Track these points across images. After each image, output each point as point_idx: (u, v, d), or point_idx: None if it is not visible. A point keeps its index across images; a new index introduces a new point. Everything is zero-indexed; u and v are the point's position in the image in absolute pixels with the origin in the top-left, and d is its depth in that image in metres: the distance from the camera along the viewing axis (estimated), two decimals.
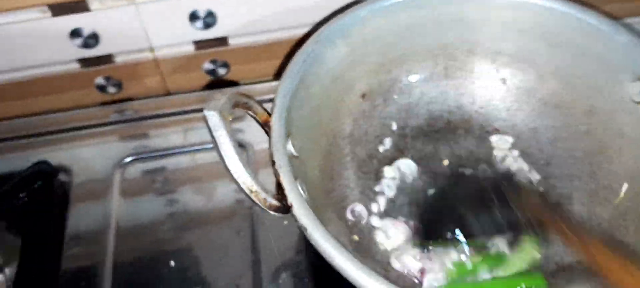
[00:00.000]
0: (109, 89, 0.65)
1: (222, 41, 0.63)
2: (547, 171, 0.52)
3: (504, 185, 0.48)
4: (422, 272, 0.45)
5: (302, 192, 0.41)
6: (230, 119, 0.37)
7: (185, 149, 0.59)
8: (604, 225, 0.48)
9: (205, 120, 0.36)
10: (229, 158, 0.36)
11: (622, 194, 0.48)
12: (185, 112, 0.62)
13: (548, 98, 0.54)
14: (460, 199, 0.48)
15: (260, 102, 0.43)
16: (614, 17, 0.63)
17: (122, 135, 0.60)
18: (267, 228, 0.52)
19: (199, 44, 0.62)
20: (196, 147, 0.59)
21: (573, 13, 0.50)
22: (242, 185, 0.37)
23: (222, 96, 0.38)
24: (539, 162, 0.53)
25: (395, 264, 0.47)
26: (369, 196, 0.51)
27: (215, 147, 0.37)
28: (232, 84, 0.67)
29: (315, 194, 0.46)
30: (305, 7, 0.60)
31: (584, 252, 0.44)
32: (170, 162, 0.58)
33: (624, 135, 0.49)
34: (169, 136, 0.60)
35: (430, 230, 0.48)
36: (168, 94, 0.67)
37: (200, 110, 0.38)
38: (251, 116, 0.43)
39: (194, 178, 0.57)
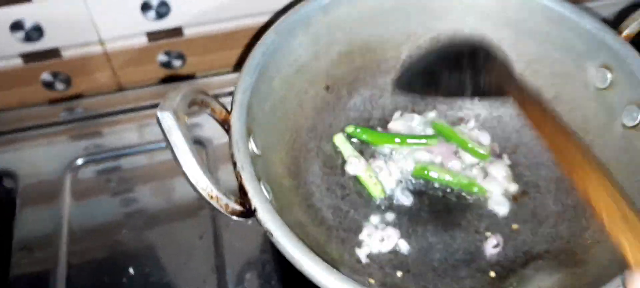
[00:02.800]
0: (57, 85, 0.61)
1: (176, 32, 0.60)
2: (514, 159, 0.52)
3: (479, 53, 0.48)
4: None
5: (266, 193, 0.39)
6: (186, 119, 0.35)
7: (141, 148, 0.56)
8: (570, 212, 0.48)
9: (158, 122, 0.34)
10: (186, 162, 0.34)
11: None
12: (140, 108, 0.59)
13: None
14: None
15: (218, 99, 0.41)
16: (577, 1, 0.63)
17: (72, 135, 0.57)
18: (230, 228, 0.51)
19: (152, 35, 0.59)
20: (152, 146, 0.56)
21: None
22: (202, 192, 0.35)
23: (177, 94, 0.35)
24: (505, 150, 0.52)
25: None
26: (335, 192, 0.50)
27: (171, 151, 0.34)
28: (189, 77, 0.64)
29: (281, 192, 0.45)
30: None
31: (541, 128, 0.42)
32: (125, 162, 0.55)
33: (588, 121, 0.49)
34: (123, 134, 0.57)
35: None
36: (121, 89, 0.63)
37: (156, 105, 0.35)
38: (209, 114, 0.40)
39: (152, 177, 0.54)
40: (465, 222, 0.49)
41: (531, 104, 0.45)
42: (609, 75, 0.46)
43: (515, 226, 0.49)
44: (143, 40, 0.59)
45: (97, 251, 0.49)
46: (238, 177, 0.37)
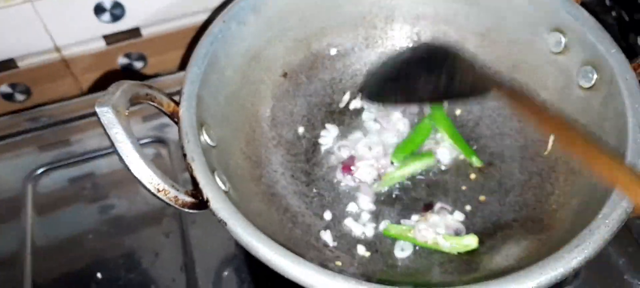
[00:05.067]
0: (17, 96, 0.60)
1: (134, 33, 0.59)
2: (477, 132, 0.52)
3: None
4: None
5: (221, 184, 0.38)
6: (127, 114, 0.34)
7: (105, 152, 0.55)
8: (535, 178, 0.47)
9: (98, 117, 0.33)
10: (128, 156, 0.33)
11: (549, 146, 0.48)
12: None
13: (472, 58, 0.53)
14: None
15: (165, 93, 0.40)
16: None
17: (35, 145, 0.56)
18: (197, 225, 0.50)
19: (110, 38, 0.58)
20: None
21: None
22: (148, 185, 0.34)
23: (117, 89, 0.34)
24: (468, 124, 0.52)
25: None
26: (300, 178, 0.49)
27: (113, 146, 0.34)
28: (152, 77, 0.64)
29: (242, 183, 0.44)
30: None
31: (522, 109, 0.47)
32: (88, 168, 0.54)
33: (547, 87, 0.48)
34: (87, 140, 0.56)
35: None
36: (84, 94, 0.63)
37: None
38: (157, 108, 0.39)
39: (117, 182, 0.53)
40: (433, 199, 0.49)
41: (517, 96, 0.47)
42: (562, 39, 0.46)
43: (482, 197, 0.48)
44: (101, 44, 0.59)
45: (63, 259, 0.49)
46: (189, 168, 0.37)
